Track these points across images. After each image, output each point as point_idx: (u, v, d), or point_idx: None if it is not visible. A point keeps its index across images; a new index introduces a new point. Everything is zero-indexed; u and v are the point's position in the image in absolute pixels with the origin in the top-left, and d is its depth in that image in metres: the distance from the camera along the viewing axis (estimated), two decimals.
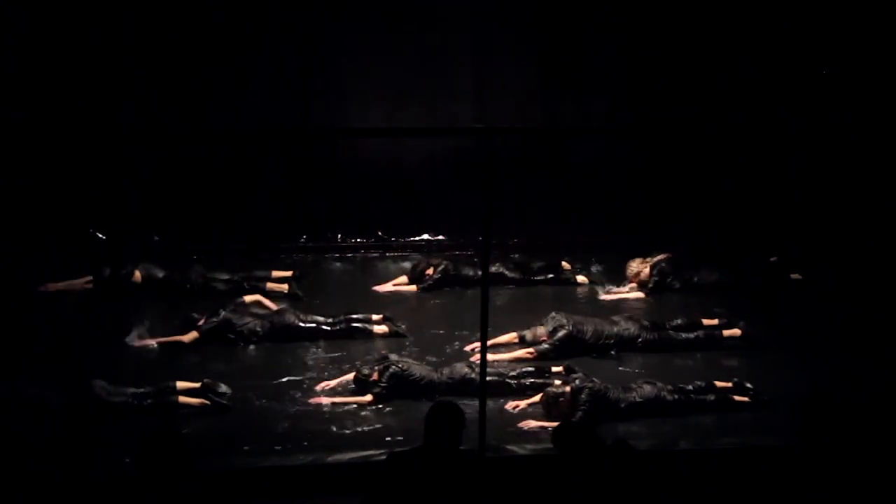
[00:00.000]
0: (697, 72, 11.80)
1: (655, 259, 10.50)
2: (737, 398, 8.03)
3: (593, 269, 11.04)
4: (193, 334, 9.04)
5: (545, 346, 8.86)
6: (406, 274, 10.76)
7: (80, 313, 9.69)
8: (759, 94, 11.67)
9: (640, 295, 10.35)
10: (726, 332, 9.21)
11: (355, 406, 7.96)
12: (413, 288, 10.57)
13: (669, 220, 11.85)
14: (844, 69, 11.41)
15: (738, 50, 11.68)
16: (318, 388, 8.16)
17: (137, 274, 10.15)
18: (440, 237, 12.15)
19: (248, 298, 9.81)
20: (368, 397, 8.02)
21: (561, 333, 8.90)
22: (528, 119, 12.03)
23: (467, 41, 11.87)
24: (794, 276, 10.71)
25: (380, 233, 12.10)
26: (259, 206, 11.69)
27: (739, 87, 11.71)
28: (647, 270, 10.42)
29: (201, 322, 9.11)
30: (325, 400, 8.00)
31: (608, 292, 10.45)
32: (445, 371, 8.25)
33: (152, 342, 8.97)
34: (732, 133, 12.00)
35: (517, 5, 11.79)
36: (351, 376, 8.25)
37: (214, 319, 9.12)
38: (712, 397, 8.02)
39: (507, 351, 8.91)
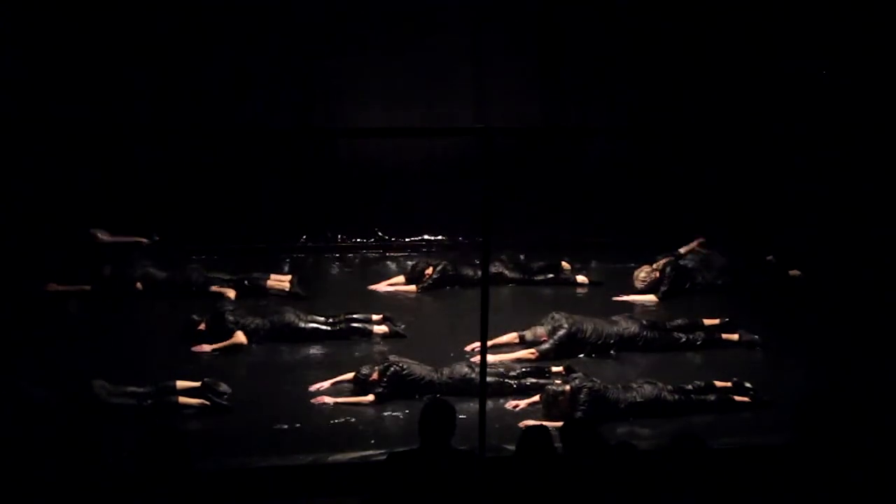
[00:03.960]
0: (697, 72, 11.81)
1: (661, 263, 10.47)
2: (737, 398, 8.04)
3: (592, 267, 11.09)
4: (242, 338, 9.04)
5: (546, 345, 8.86)
6: (404, 274, 10.78)
7: (80, 313, 9.71)
8: (759, 93, 11.69)
9: (653, 298, 10.32)
10: (725, 336, 9.24)
11: (357, 406, 7.97)
12: (412, 288, 10.57)
13: (669, 220, 11.86)
14: (844, 69, 11.42)
15: (738, 50, 11.69)
16: (313, 388, 8.17)
17: (138, 284, 10.17)
18: (440, 237, 12.16)
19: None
20: (370, 397, 8.02)
21: (561, 333, 8.90)
22: (528, 119, 12.04)
23: (467, 41, 11.87)
24: (793, 272, 10.71)
25: (380, 233, 12.10)
26: (259, 206, 11.69)
27: (739, 87, 11.72)
28: (657, 275, 10.37)
29: (202, 325, 9.11)
30: (329, 400, 8.00)
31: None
32: (445, 371, 8.25)
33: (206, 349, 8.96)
34: (732, 133, 12.00)
35: (517, 5, 11.79)
36: (346, 376, 8.26)
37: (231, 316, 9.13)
38: (712, 397, 8.03)
39: (508, 351, 8.91)
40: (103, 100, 10.98)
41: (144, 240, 10.30)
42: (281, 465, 7.02)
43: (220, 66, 11.41)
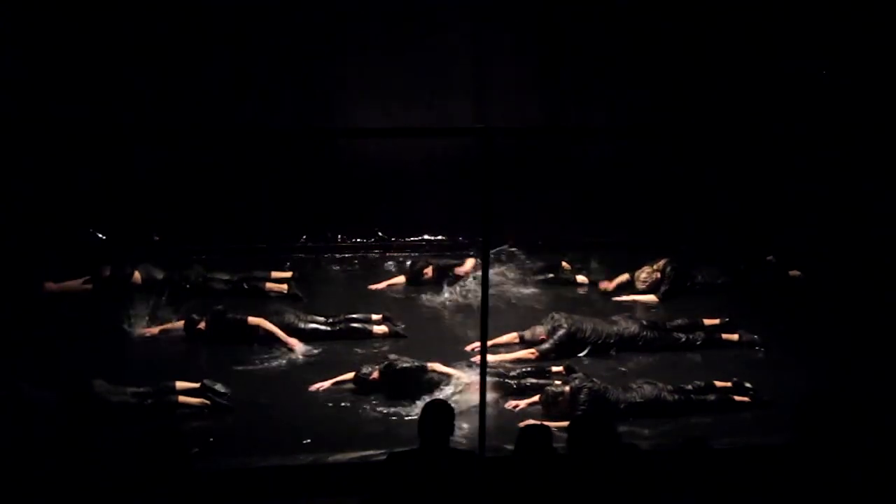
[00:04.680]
0: (697, 71, 11.80)
1: (661, 263, 10.46)
2: (737, 398, 8.04)
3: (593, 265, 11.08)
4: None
5: (546, 345, 8.86)
6: (404, 273, 10.77)
7: (80, 313, 9.70)
8: (759, 93, 11.69)
9: (654, 298, 10.31)
10: (725, 336, 9.24)
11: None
12: (412, 287, 10.57)
13: (669, 220, 11.86)
14: (844, 69, 11.42)
15: (738, 50, 11.69)
16: (313, 388, 8.17)
17: (137, 275, 10.16)
18: (440, 237, 12.16)
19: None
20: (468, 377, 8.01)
21: (560, 332, 8.91)
22: (528, 119, 12.04)
23: (467, 41, 11.86)
24: (793, 272, 10.71)
25: (380, 233, 12.10)
26: (259, 206, 11.69)
27: (739, 87, 11.72)
28: (657, 275, 10.36)
29: (202, 324, 9.11)
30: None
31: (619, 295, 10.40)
32: None
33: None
34: (732, 133, 12.00)
35: (517, 5, 11.78)
36: (346, 376, 8.26)
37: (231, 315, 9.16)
38: (712, 397, 8.03)
39: (508, 351, 8.92)
40: (103, 100, 10.97)
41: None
42: (281, 465, 7.03)
43: (220, 66, 11.39)
